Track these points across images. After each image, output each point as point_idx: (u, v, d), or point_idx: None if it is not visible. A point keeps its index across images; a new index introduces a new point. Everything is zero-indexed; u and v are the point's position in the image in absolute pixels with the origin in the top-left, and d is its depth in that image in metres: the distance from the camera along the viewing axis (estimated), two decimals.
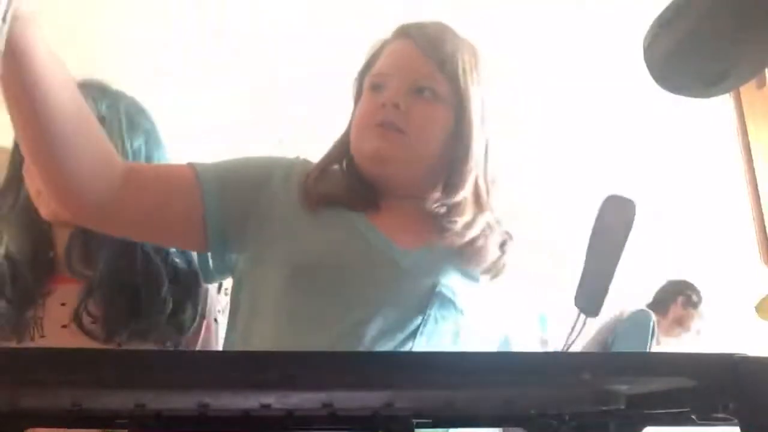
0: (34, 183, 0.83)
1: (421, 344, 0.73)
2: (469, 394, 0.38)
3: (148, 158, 0.98)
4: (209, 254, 0.81)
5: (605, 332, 2.56)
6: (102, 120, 0.92)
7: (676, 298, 2.64)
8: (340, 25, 2.43)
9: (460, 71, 0.81)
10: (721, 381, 0.35)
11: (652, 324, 2.50)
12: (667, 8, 0.90)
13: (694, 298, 2.63)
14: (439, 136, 0.80)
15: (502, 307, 0.86)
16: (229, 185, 0.78)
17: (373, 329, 0.71)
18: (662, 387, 0.37)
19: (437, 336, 0.75)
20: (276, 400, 0.37)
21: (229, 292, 0.88)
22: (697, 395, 0.37)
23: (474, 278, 0.81)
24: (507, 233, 0.85)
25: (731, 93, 1.95)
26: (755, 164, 1.96)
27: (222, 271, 0.83)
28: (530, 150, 3.70)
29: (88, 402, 0.37)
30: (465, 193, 0.80)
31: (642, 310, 2.58)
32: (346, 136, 0.85)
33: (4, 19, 0.46)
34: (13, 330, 0.85)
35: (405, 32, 0.84)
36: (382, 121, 0.78)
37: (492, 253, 0.81)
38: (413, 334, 0.73)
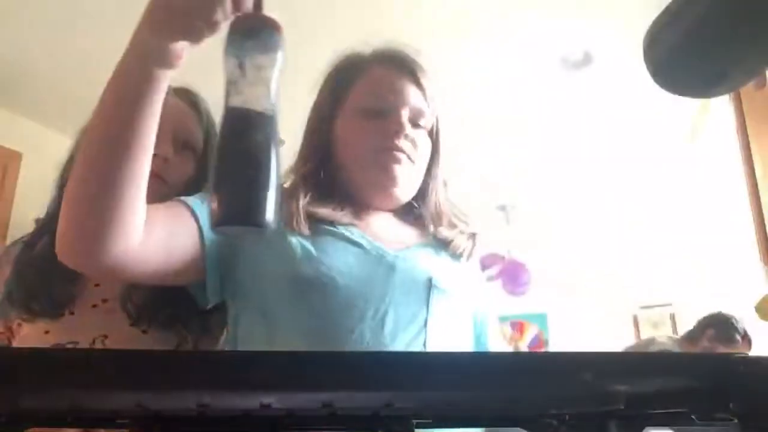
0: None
1: (432, 334, 0.78)
2: (469, 394, 0.38)
3: None
4: (207, 279, 0.79)
5: None
6: None
7: (705, 331, 2.56)
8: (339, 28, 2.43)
9: (435, 99, 0.89)
10: (721, 381, 0.35)
11: None
12: (667, 9, 0.90)
13: (728, 332, 2.53)
14: (425, 163, 0.89)
15: (476, 282, 0.95)
16: None
17: (389, 323, 0.75)
18: (662, 387, 0.37)
19: (442, 323, 0.80)
20: (276, 400, 0.37)
21: None
22: (697, 395, 0.37)
23: (454, 259, 0.89)
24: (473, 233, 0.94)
25: (731, 93, 1.95)
26: (755, 164, 1.97)
27: (217, 294, 0.81)
28: (536, 150, 3.70)
29: (88, 402, 0.37)
30: (433, 203, 0.91)
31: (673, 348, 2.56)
32: (318, 151, 0.87)
33: None
34: (48, 306, 0.88)
35: (389, 57, 0.89)
36: (397, 152, 0.84)
37: (465, 242, 0.91)
38: (424, 326, 0.77)
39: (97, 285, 0.91)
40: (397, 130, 0.83)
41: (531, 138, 3.58)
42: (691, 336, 2.59)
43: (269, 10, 0.58)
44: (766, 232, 1.98)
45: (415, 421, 0.41)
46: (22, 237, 1.04)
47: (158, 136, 0.66)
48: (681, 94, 1.05)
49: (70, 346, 0.86)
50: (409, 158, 0.84)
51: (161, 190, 0.85)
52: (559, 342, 5.15)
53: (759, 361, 0.35)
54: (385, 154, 0.83)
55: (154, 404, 0.37)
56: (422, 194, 0.91)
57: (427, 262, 0.84)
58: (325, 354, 0.35)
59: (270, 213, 0.49)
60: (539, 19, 2.56)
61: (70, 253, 0.67)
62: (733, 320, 2.58)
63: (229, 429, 0.42)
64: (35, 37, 2.71)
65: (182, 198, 0.78)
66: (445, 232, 0.89)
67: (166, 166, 0.89)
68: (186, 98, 0.96)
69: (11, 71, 2.95)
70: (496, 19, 2.56)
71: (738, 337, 2.54)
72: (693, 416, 0.39)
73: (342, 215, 0.83)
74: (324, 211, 0.82)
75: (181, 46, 0.62)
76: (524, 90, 3.11)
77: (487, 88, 2.96)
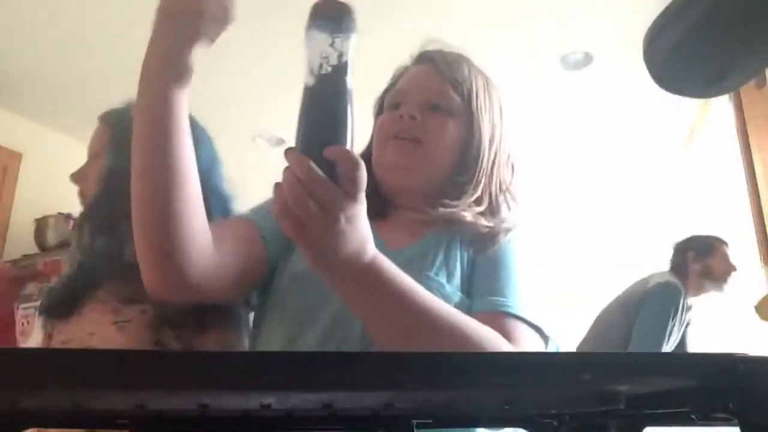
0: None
1: None
2: (469, 394, 0.38)
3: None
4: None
5: (631, 301, 2.46)
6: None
7: (686, 258, 2.53)
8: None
9: (474, 92, 0.89)
10: (721, 381, 0.35)
11: (677, 298, 2.39)
12: (667, 9, 0.90)
13: (705, 246, 2.51)
14: (451, 147, 0.87)
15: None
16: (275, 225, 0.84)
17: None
18: (662, 387, 0.37)
19: None
20: (276, 401, 0.37)
21: None
22: (697, 395, 0.37)
23: (469, 249, 0.86)
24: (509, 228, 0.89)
25: (731, 93, 1.95)
26: (755, 164, 1.97)
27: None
28: (536, 150, 3.71)
29: (88, 402, 0.37)
30: (472, 198, 0.87)
31: (667, 284, 2.44)
32: (365, 152, 0.92)
33: None
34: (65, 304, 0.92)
35: (426, 57, 0.93)
36: (400, 132, 0.86)
37: (482, 235, 0.85)
38: None
39: None
40: (401, 115, 0.86)
41: (531, 138, 3.58)
42: (676, 268, 2.54)
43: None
44: (766, 233, 1.98)
45: (415, 421, 0.41)
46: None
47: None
48: (681, 94, 1.05)
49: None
50: (416, 139, 0.85)
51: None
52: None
53: (759, 361, 0.35)
54: (388, 141, 0.87)
55: (154, 404, 0.37)
56: (458, 184, 0.87)
57: (427, 258, 0.82)
58: (325, 354, 0.35)
59: None
60: (539, 19, 2.56)
61: (154, 285, 0.71)
62: (698, 236, 2.57)
63: (229, 429, 0.42)
64: (35, 37, 2.71)
65: (245, 213, 0.86)
66: (469, 217, 0.85)
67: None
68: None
69: (11, 71, 2.95)
70: (497, 20, 2.57)
71: (716, 243, 2.53)
72: (693, 416, 0.39)
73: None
74: None
75: (194, 54, 0.65)
76: (524, 90, 3.11)
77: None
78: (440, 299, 0.68)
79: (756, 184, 1.96)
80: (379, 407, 0.38)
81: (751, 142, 1.97)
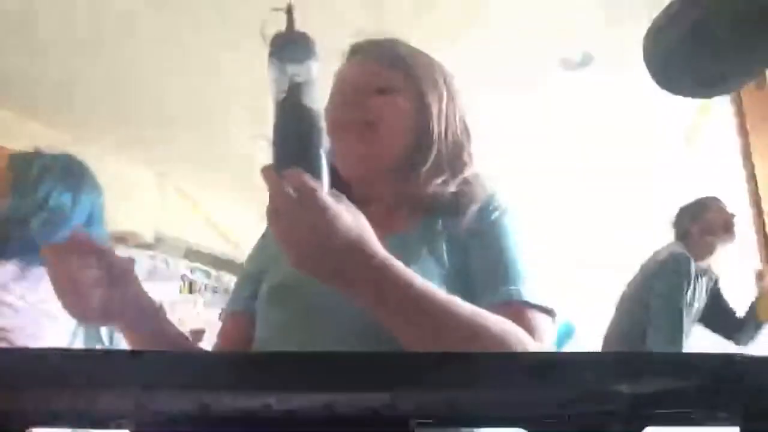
0: None
1: None
2: (469, 394, 0.38)
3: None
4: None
5: (645, 277, 2.49)
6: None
7: (684, 222, 2.57)
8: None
9: (411, 66, 0.88)
10: (721, 381, 0.35)
11: (684, 267, 2.40)
12: (667, 9, 0.91)
13: (696, 207, 2.55)
14: (404, 124, 0.86)
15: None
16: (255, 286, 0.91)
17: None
18: (662, 387, 0.37)
19: None
20: (276, 401, 0.37)
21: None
22: (697, 395, 0.37)
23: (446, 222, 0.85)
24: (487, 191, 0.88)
25: (731, 93, 1.95)
26: (755, 164, 1.97)
27: None
28: (536, 150, 3.70)
29: (88, 402, 0.37)
30: (430, 162, 0.86)
31: (671, 255, 2.46)
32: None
33: None
34: None
35: (356, 49, 0.93)
36: (346, 121, 0.85)
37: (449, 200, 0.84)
38: None
39: None
40: (345, 103, 0.86)
41: (530, 138, 3.58)
42: (680, 237, 2.57)
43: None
44: (766, 233, 1.98)
45: (415, 421, 0.41)
46: None
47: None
48: (681, 94, 1.05)
49: None
50: (367, 121, 0.84)
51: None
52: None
53: (759, 361, 0.35)
54: (340, 133, 0.85)
55: (154, 404, 0.37)
56: (416, 158, 0.86)
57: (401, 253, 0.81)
58: (325, 354, 0.35)
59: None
60: (539, 19, 2.56)
61: None
62: (693, 201, 2.59)
63: (229, 429, 0.42)
64: (35, 38, 2.71)
65: (236, 308, 0.92)
66: (431, 189, 0.84)
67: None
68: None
69: (11, 71, 2.95)
70: (496, 19, 2.57)
71: (707, 200, 2.55)
72: (693, 416, 0.39)
73: None
74: None
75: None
76: (524, 90, 3.11)
77: (487, 88, 2.96)
78: (457, 297, 0.67)
79: (756, 184, 1.97)
80: (379, 407, 0.38)
81: (751, 142, 1.97)
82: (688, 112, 3.12)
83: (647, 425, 0.41)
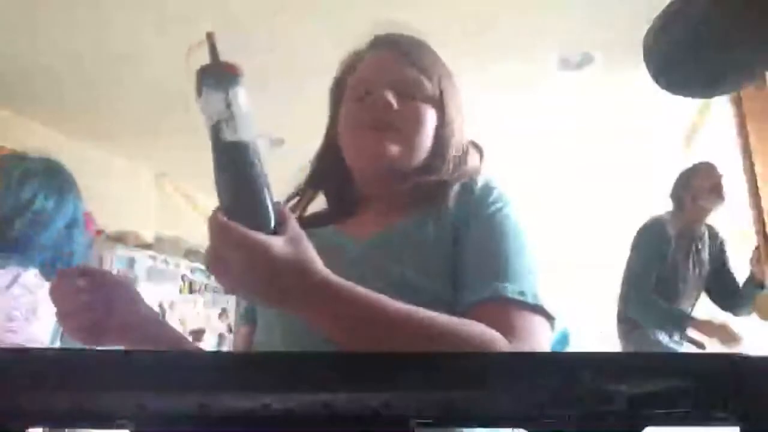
0: None
1: None
2: (469, 394, 0.38)
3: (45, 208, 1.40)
4: None
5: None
6: None
7: (677, 193, 2.64)
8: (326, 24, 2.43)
9: (442, 77, 0.89)
10: (721, 381, 0.35)
11: (653, 231, 2.55)
12: (667, 9, 0.91)
13: (684, 176, 2.63)
14: (428, 133, 0.86)
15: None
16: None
17: None
18: (662, 387, 0.37)
19: None
20: (276, 401, 0.37)
21: None
22: (697, 395, 0.37)
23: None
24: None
25: (731, 93, 1.95)
26: (755, 164, 1.97)
27: None
28: (535, 151, 3.70)
29: (88, 402, 0.37)
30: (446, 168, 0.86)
31: (643, 226, 2.62)
32: (325, 143, 0.93)
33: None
34: None
35: (384, 42, 0.92)
36: (375, 121, 0.84)
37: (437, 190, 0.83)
38: None
39: None
40: (376, 105, 0.84)
41: (530, 138, 3.58)
42: (676, 207, 2.63)
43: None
44: (766, 232, 1.98)
45: (415, 421, 0.41)
46: None
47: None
48: (681, 94, 1.05)
49: None
50: (396, 127, 0.83)
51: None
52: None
53: (759, 361, 0.35)
54: (366, 133, 0.84)
55: (154, 404, 0.37)
56: (435, 163, 0.86)
57: (384, 249, 0.80)
58: (325, 354, 0.35)
59: (273, 218, 0.62)
60: (539, 18, 2.56)
61: None
62: (684, 170, 2.66)
63: (229, 429, 0.42)
64: (36, 37, 2.71)
65: (238, 321, 0.96)
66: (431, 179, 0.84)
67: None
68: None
69: (11, 71, 2.95)
70: (496, 19, 2.56)
71: (695, 166, 2.62)
72: (693, 416, 0.39)
73: (332, 215, 0.90)
74: (310, 215, 0.91)
75: None
76: (524, 90, 3.11)
77: (487, 88, 2.96)
78: (409, 302, 0.65)
79: (756, 184, 1.97)
80: (378, 407, 0.39)
81: (751, 142, 1.97)
82: (688, 112, 3.12)
83: (647, 425, 0.41)
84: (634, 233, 2.63)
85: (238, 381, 0.34)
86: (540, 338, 0.71)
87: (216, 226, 0.59)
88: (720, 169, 2.56)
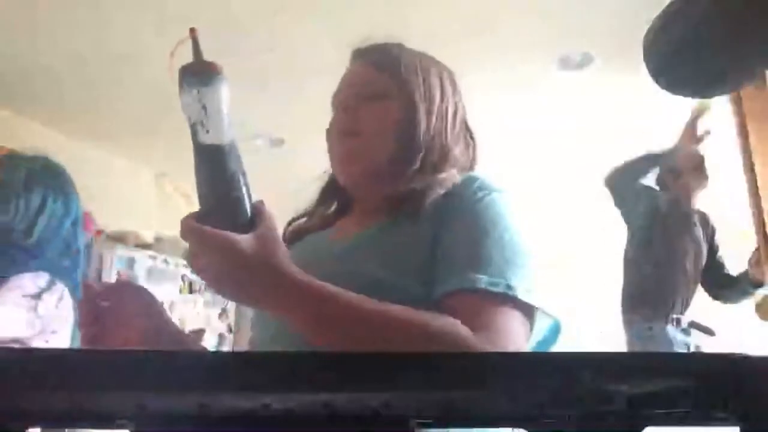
0: None
1: None
2: (469, 394, 0.38)
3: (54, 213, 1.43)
4: None
5: None
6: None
7: (659, 175, 2.69)
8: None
9: (402, 68, 0.88)
10: (721, 381, 0.35)
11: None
12: (667, 9, 0.91)
13: (662, 156, 2.65)
14: (388, 129, 0.86)
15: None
16: None
17: None
18: (662, 387, 0.37)
19: None
20: (276, 400, 0.37)
21: None
22: (697, 395, 0.37)
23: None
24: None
25: (731, 93, 1.95)
26: (755, 164, 1.97)
27: None
28: (535, 151, 3.70)
29: (88, 402, 0.37)
30: (415, 167, 0.84)
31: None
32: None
33: None
34: None
35: (357, 54, 0.94)
36: (338, 129, 0.88)
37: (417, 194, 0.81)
38: None
39: None
40: (336, 110, 0.89)
41: (530, 138, 3.58)
42: (662, 188, 2.67)
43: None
44: (766, 232, 1.98)
45: (415, 421, 0.41)
46: None
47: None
48: (681, 94, 1.05)
49: None
50: (353, 132, 0.86)
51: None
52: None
53: (759, 361, 0.35)
54: (331, 141, 0.89)
55: (154, 404, 0.37)
56: (401, 162, 0.84)
57: (362, 250, 0.80)
58: (325, 354, 0.35)
59: (250, 218, 0.63)
60: (539, 18, 2.56)
61: None
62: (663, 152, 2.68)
63: (229, 429, 0.42)
64: (36, 37, 2.71)
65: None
66: (415, 185, 0.81)
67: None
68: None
69: (11, 71, 2.95)
70: (496, 19, 2.56)
71: (672, 146, 2.66)
72: (693, 416, 0.39)
73: (322, 221, 0.93)
74: (299, 223, 0.94)
75: None
76: (524, 90, 3.11)
77: (487, 88, 2.96)
78: (377, 298, 0.65)
79: (756, 184, 1.96)
80: (378, 407, 0.39)
81: (751, 142, 1.97)
82: (688, 112, 3.12)
83: (647, 425, 0.41)
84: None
85: (238, 381, 0.34)
86: (511, 331, 0.68)
87: (186, 229, 0.61)
88: (701, 150, 2.61)
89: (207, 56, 0.63)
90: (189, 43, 0.63)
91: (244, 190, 0.63)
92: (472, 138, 0.94)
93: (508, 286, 0.68)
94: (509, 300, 0.68)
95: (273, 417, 0.40)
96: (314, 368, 0.34)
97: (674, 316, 2.52)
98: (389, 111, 0.86)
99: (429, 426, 0.43)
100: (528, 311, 0.71)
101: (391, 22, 2.51)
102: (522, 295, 0.69)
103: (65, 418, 0.40)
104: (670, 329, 2.49)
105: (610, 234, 2.80)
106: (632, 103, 3.14)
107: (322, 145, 0.92)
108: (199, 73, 0.62)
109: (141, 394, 0.35)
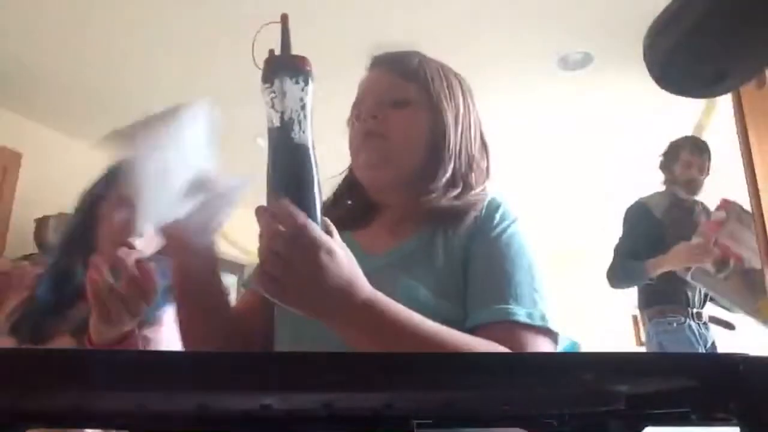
0: None
1: None
2: (469, 394, 0.38)
3: None
4: None
5: None
6: None
7: (667, 161, 2.68)
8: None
9: (428, 78, 0.89)
10: (721, 381, 0.35)
11: (634, 212, 2.64)
12: (666, 9, 0.90)
13: (674, 152, 2.65)
14: (417, 136, 0.87)
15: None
16: None
17: None
18: (662, 387, 0.37)
19: None
20: (276, 401, 0.37)
21: None
22: (697, 395, 0.37)
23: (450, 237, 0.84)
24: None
25: (731, 93, 1.95)
26: (755, 164, 1.96)
27: None
28: (535, 151, 3.70)
29: (88, 402, 0.37)
30: (447, 176, 0.86)
31: (628, 207, 2.68)
32: (346, 176, 0.96)
33: None
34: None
35: (376, 61, 0.94)
36: (365, 132, 0.87)
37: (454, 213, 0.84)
38: None
39: None
40: (363, 118, 0.87)
41: (530, 139, 3.58)
42: (670, 182, 2.66)
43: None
44: (766, 233, 1.98)
45: (415, 421, 0.41)
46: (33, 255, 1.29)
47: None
48: (681, 94, 1.05)
49: None
50: (380, 134, 0.85)
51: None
52: None
53: (759, 361, 0.35)
54: (357, 145, 0.88)
55: (154, 404, 0.37)
56: (431, 171, 0.86)
57: (399, 265, 0.81)
58: (325, 354, 0.35)
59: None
60: (539, 19, 2.56)
61: None
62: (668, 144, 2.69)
63: (229, 429, 0.42)
64: (36, 38, 2.71)
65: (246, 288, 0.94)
66: (445, 202, 0.83)
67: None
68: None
69: (11, 71, 2.95)
70: (496, 19, 2.56)
71: (681, 142, 2.65)
72: (693, 416, 0.39)
73: (345, 220, 0.88)
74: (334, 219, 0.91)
75: None
76: (524, 90, 3.11)
77: (487, 88, 2.96)
78: (431, 320, 0.66)
79: (756, 184, 1.96)
80: (379, 407, 0.38)
81: (751, 142, 1.97)
82: (688, 112, 3.12)
83: (647, 425, 0.41)
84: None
85: (238, 381, 0.34)
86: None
87: (292, 224, 0.57)
88: (707, 145, 2.61)
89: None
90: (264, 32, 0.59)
91: (320, 197, 0.60)
92: (486, 150, 0.94)
93: (543, 318, 0.74)
94: (543, 330, 0.73)
95: (273, 417, 0.39)
96: (314, 369, 0.34)
97: (694, 310, 2.52)
98: (418, 118, 0.87)
99: (429, 426, 0.43)
100: (555, 337, 0.76)
101: (391, 25, 2.51)
102: (552, 324, 0.74)
103: (65, 418, 0.40)
104: (692, 324, 2.48)
105: (610, 233, 2.79)
106: (632, 103, 3.14)
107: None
108: (298, 67, 0.59)
109: (141, 394, 0.35)
